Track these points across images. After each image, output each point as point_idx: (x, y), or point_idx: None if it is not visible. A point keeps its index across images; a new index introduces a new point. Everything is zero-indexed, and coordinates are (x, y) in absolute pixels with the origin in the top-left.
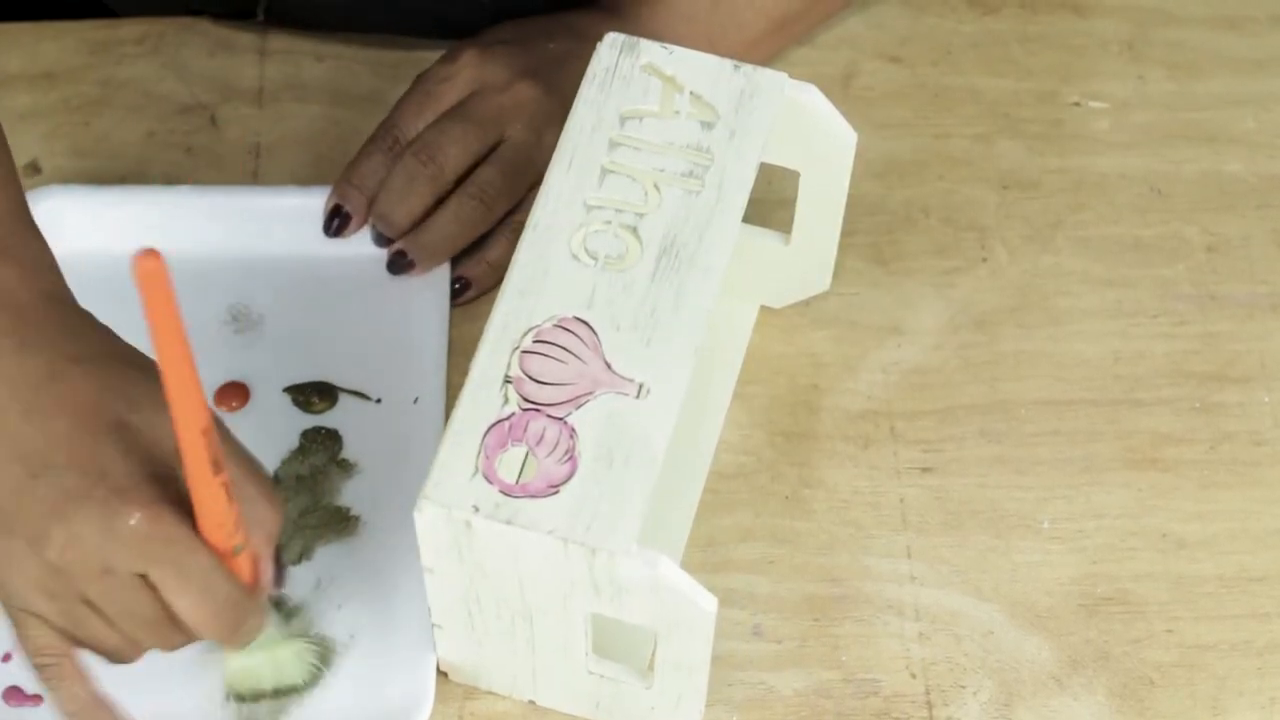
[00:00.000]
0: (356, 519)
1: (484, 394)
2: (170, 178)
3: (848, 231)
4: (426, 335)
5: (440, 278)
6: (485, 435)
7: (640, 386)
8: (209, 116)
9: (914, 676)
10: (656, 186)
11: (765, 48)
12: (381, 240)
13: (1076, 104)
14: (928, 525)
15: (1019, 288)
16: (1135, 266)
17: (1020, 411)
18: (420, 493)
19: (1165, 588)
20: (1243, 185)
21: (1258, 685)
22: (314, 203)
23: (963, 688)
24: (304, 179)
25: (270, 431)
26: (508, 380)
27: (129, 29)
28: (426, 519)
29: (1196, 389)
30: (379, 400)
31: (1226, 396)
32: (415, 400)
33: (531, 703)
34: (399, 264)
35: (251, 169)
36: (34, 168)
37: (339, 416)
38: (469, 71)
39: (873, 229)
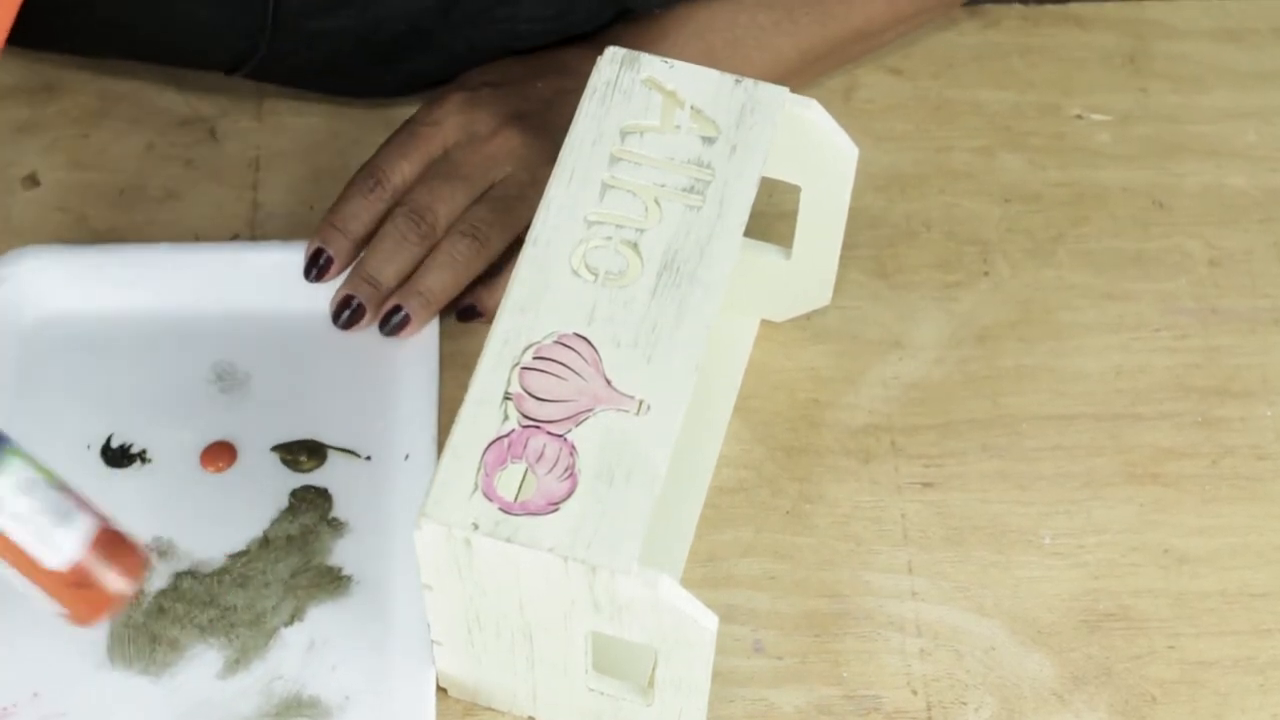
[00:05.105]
0: (348, 579)
1: (483, 411)
2: (170, 190)
3: (849, 245)
4: (416, 390)
5: (429, 332)
6: (485, 452)
7: (641, 403)
8: (209, 129)
9: (915, 693)
10: (657, 201)
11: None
12: (349, 320)
13: (1078, 117)
14: (929, 540)
15: (1020, 302)
16: (1137, 280)
17: (1021, 426)
18: (420, 510)
19: (1167, 604)
20: (1245, 199)
21: (1260, 702)
22: (296, 258)
23: (964, 704)
24: (304, 191)
25: (259, 491)
26: (507, 397)
27: None
28: (426, 536)
29: (1198, 403)
30: (369, 458)
31: (1228, 411)
32: (406, 457)
33: (531, 719)
34: (393, 320)
35: (251, 182)
36: (33, 180)
37: (328, 475)
38: (455, 118)
39: (874, 242)
